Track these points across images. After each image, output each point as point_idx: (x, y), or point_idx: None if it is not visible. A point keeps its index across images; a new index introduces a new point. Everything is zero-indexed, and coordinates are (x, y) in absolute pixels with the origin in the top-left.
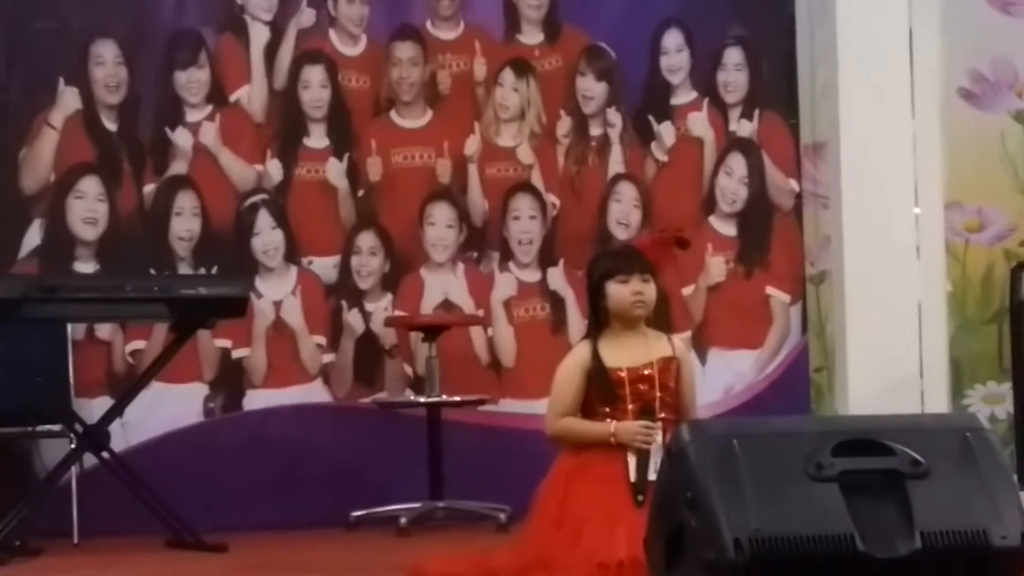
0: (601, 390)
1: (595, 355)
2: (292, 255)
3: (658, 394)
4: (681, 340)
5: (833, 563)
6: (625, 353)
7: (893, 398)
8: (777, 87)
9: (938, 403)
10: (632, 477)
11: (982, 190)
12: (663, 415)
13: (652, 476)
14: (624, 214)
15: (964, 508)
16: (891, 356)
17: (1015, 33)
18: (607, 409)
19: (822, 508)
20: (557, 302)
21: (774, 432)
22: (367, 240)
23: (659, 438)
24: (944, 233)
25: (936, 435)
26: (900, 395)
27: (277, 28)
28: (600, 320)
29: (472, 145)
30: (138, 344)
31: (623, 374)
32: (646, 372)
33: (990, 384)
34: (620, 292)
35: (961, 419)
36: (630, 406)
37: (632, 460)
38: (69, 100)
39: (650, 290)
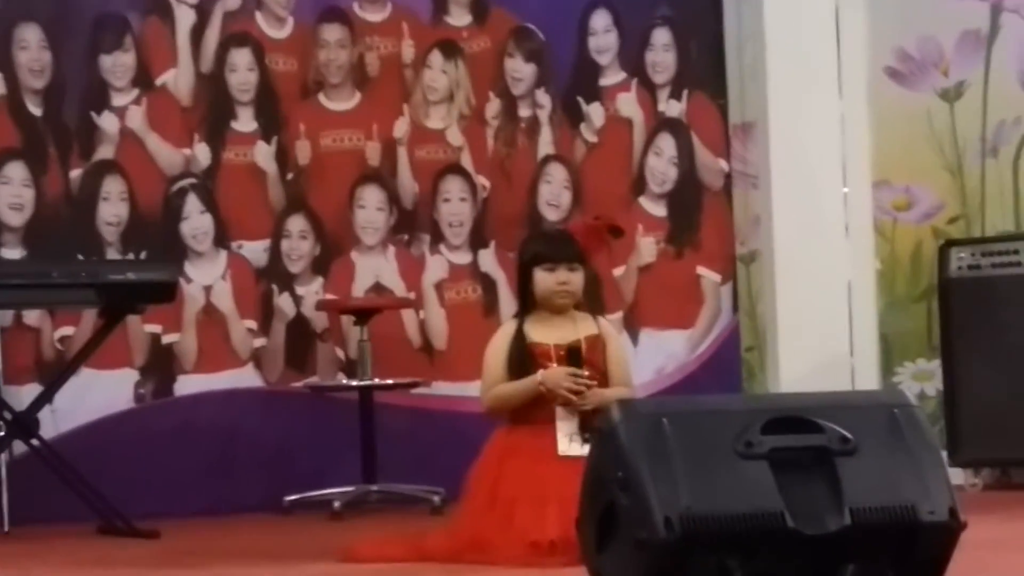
0: (521, 365)
1: (518, 331)
2: (221, 239)
3: (587, 372)
4: (607, 320)
5: (763, 540)
6: (552, 332)
7: (824, 376)
8: (705, 67)
9: (868, 381)
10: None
11: (910, 169)
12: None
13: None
14: (554, 195)
15: (892, 484)
16: (821, 334)
17: (940, 12)
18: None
19: (752, 486)
20: (488, 284)
21: (704, 410)
22: (297, 223)
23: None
24: (873, 212)
25: (864, 412)
26: (831, 373)
27: (203, 11)
28: (528, 303)
29: (401, 127)
30: (67, 330)
31: (549, 349)
32: (573, 349)
33: (919, 361)
34: (546, 280)
35: (889, 396)
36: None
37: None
38: None
39: (576, 279)
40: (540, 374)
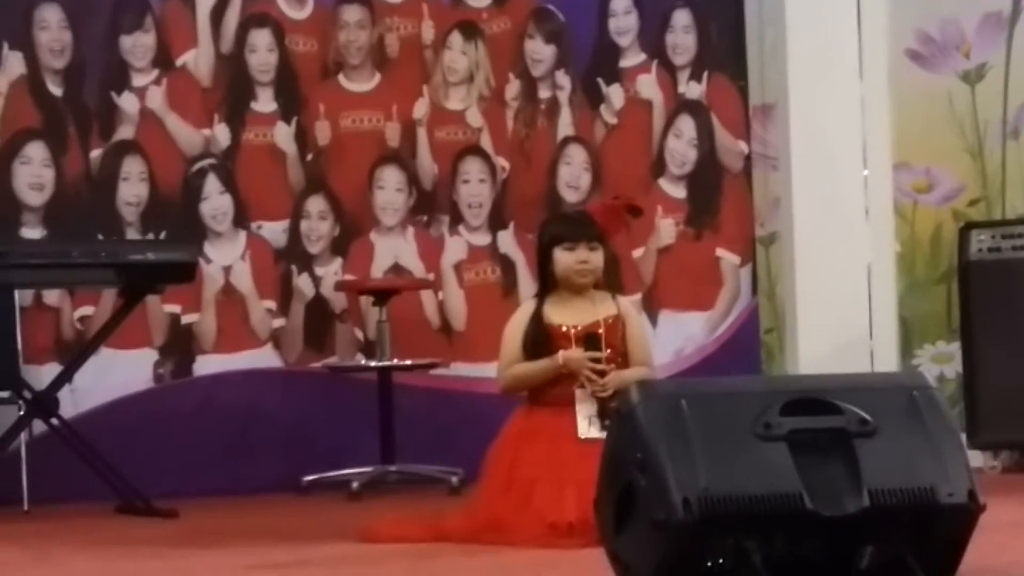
0: (537, 346)
1: (536, 312)
2: (241, 220)
3: (608, 352)
4: (627, 299)
5: (781, 521)
6: (571, 313)
7: (843, 358)
8: (725, 49)
9: (887, 363)
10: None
11: (930, 151)
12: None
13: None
14: (574, 177)
15: (911, 466)
16: (841, 316)
17: None
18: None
19: (770, 467)
20: (507, 265)
21: (722, 392)
22: (316, 204)
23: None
24: (893, 194)
25: (883, 394)
26: (850, 355)
27: None
28: (548, 284)
29: (421, 108)
30: (86, 310)
31: (568, 331)
32: (594, 332)
33: (939, 344)
34: (566, 259)
35: (908, 377)
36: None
37: (584, 409)
38: (13, 65)
39: (596, 258)
40: (561, 355)
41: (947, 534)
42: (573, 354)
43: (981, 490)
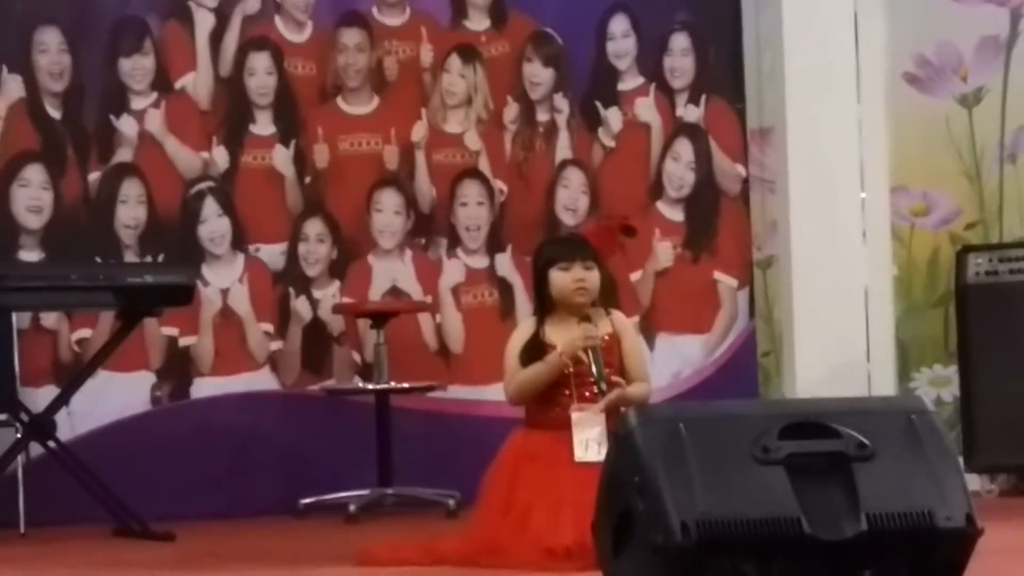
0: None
1: (536, 332)
2: (239, 242)
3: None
4: (621, 315)
5: (780, 546)
6: (569, 334)
7: (840, 381)
8: (723, 72)
9: (885, 386)
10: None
11: (928, 174)
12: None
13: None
14: (572, 200)
15: (909, 490)
16: (838, 340)
17: (959, 17)
18: (553, 393)
19: (768, 491)
20: (505, 288)
21: (720, 416)
22: (314, 227)
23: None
24: (890, 217)
25: (881, 418)
26: (847, 378)
27: (222, 15)
28: (545, 307)
29: (419, 131)
30: (84, 333)
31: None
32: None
33: (936, 367)
34: (562, 279)
35: (906, 402)
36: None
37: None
38: (12, 88)
39: (593, 277)
40: (559, 349)
41: (945, 558)
42: (567, 341)
43: (979, 514)
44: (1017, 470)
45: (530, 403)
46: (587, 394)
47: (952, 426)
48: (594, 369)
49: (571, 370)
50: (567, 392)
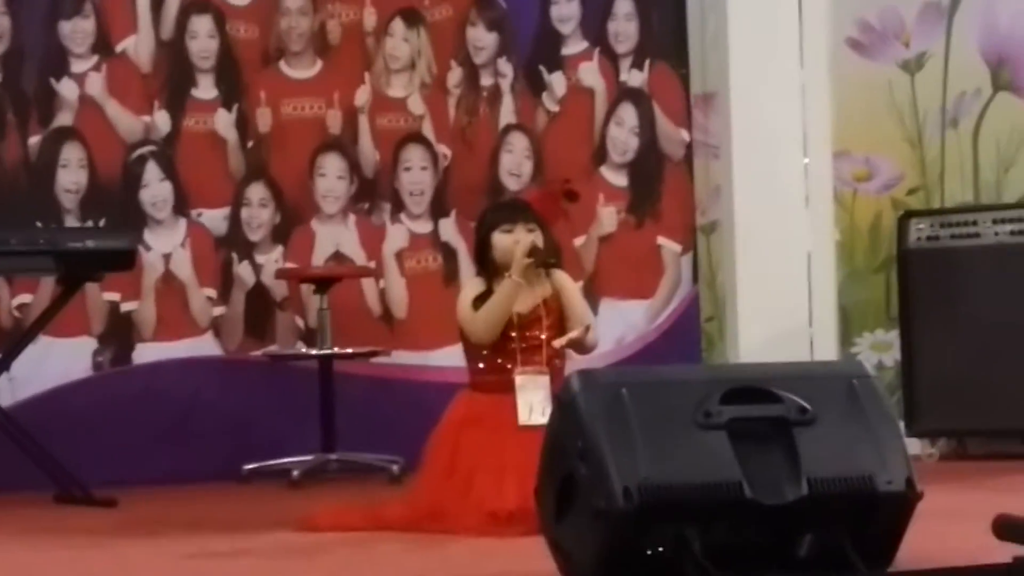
0: None
1: (487, 287)
2: (181, 207)
3: (546, 334)
4: (560, 272)
5: (722, 510)
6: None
7: (783, 347)
8: (667, 37)
9: (827, 351)
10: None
11: (870, 139)
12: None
13: None
14: (516, 165)
15: (850, 454)
16: (781, 305)
17: None
18: (497, 357)
19: (710, 456)
20: (449, 253)
21: (663, 381)
22: (257, 192)
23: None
24: (833, 182)
25: (822, 382)
26: (790, 344)
27: None
28: (489, 273)
29: (362, 96)
30: (25, 298)
31: (512, 315)
32: (535, 315)
33: (878, 332)
34: (504, 241)
35: (847, 366)
36: (520, 347)
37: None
38: None
39: (535, 239)
40: (509, 273)
41: (885, 522)
42: (514, 262)
43: (919, 478)
44: (957, 434)
45: (474, 364)
46: (533, 360)
47: (893, 391)
48: (524, 392)
49: (516, 335)
50: (512, 355)
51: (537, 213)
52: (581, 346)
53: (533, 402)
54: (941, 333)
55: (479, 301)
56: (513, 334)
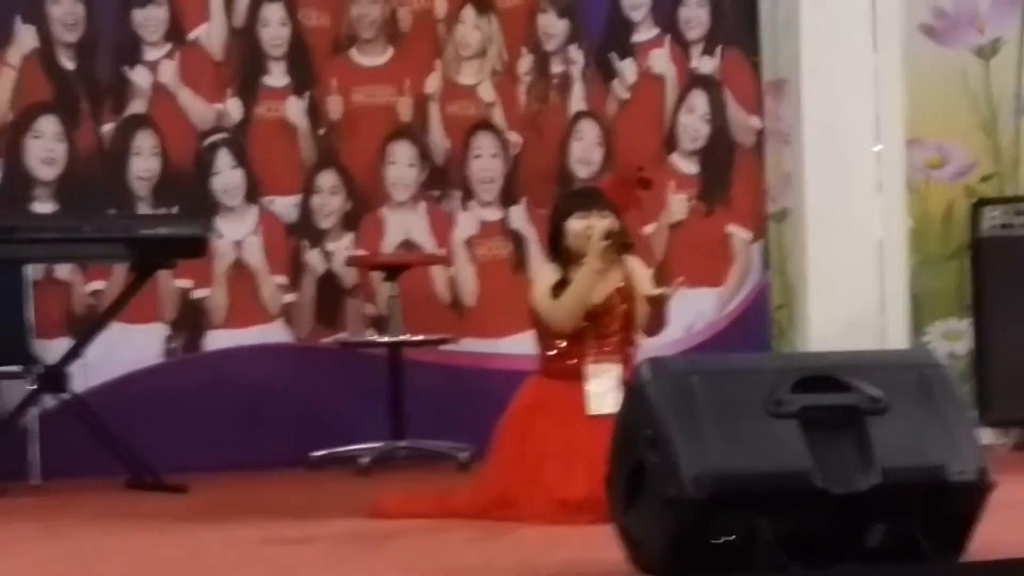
0: None
1: (562, 276)
2: (252, 194)
3: (618, 323)
4: (633, 258)
5: (792, 499)
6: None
7: (854, 335)
8: (738, 23)
9: (898, 340)
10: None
11: (943, 126)
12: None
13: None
14: (585, 152)
15: (922, 444)
16: (852, 293)
17: None
18: (569, 344)
19: (781, 444)
20: (518, 241)
21: (733, 369)
22: (328, 179)
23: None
24: (905, 170)
25: (894, 371)
26: (861, 332)
27: None
28: (563, 261)
29: (433, 83)
30: (98, 284)
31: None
32: (608, 304)
33: (950, 321)
34: (578, 227)
35: (918, 355)
36: (593, 335)
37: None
38: (26, 38)
39: (608, 225)
40: (586, 260)
41: (957, 511)
42: (591, 250)
43: (991, 468)
44: None
45: (545, 351)
46: (605, 348)
47: (965, 380)
48: (594, 380)
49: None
50: (585, 345)
51: (610, 201)
52: (659, 305)
53: (603, 391)
54: (1014, 322)
55: (555, 290)
56: (586, 323)
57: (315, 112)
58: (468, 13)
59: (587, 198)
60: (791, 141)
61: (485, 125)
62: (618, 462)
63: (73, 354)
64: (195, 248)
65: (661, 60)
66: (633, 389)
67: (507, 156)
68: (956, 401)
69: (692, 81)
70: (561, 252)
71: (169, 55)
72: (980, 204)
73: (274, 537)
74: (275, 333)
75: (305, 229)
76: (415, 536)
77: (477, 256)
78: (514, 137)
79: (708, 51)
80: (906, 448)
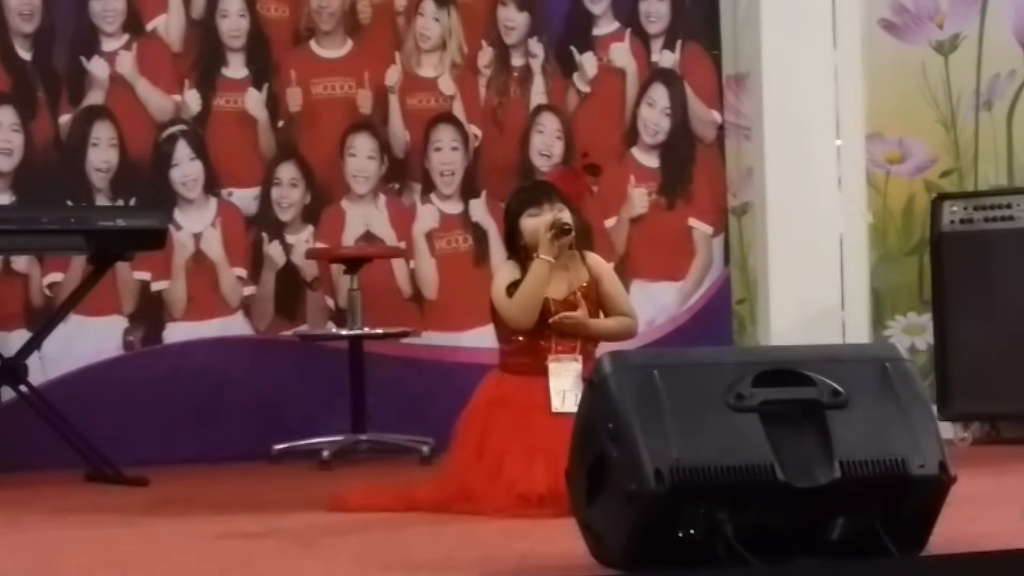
0: None
1: (521, 274)
2: (212, 186)
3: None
4: (597, 256)
5: (753, 493)
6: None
7: (815, 329)
8: (699, 17)
9: (859, 334)
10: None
11: (903, 122)
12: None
13: None
14: (546, 145)
15: (883, 437)
16: (813, 287)
17: None
18: (529, 340)
19: (742, 438)
20: (479, 234)
21: (695, 363)
22: (287, 171)
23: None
24: (865, 165)
25: (855, 365)
26: (822, 326)
27: None
28: (521, 259)
29: (393, 75)
30: (56, 276)
31: (548, 301)
32: (570, 302)
33: (910, 315)
34: (533, 223)
35: (880, 349)
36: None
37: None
38: None
39: (563, 218)
40: (538, 254)
41: (918, 505)
42: (540, 241)
43: (952, 462)
44: (990, 418)
45: (505, 346)
46: (566, 345)
47: (926, 374)
48: (557, 379)
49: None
50: (545, 341)
51: (562, 193)
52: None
53: (566, 389)
54: (974, 316)
55: (513, 287)
56: (549, 320)
57: (274, 104)
58: (428, 6)
59: (538, 193)
60: (752, 135)
61: (445, 118)
62: (579, 456)
63: (31, 346)
64: (154, 240)
65: (622, 54)
66: (594, 383)
67: (467, 149)
68: (918, 395)
69: (653, 75)
70: (519, 250)
71: (127, 46)
72: (940, 199)
73: (234, 530)
74: (235, 326)
75: (265, 221)
76: (376, 529)
77: (438, 249)
78: (474, 130)
79: (669, 45)
80: (867, 442)
